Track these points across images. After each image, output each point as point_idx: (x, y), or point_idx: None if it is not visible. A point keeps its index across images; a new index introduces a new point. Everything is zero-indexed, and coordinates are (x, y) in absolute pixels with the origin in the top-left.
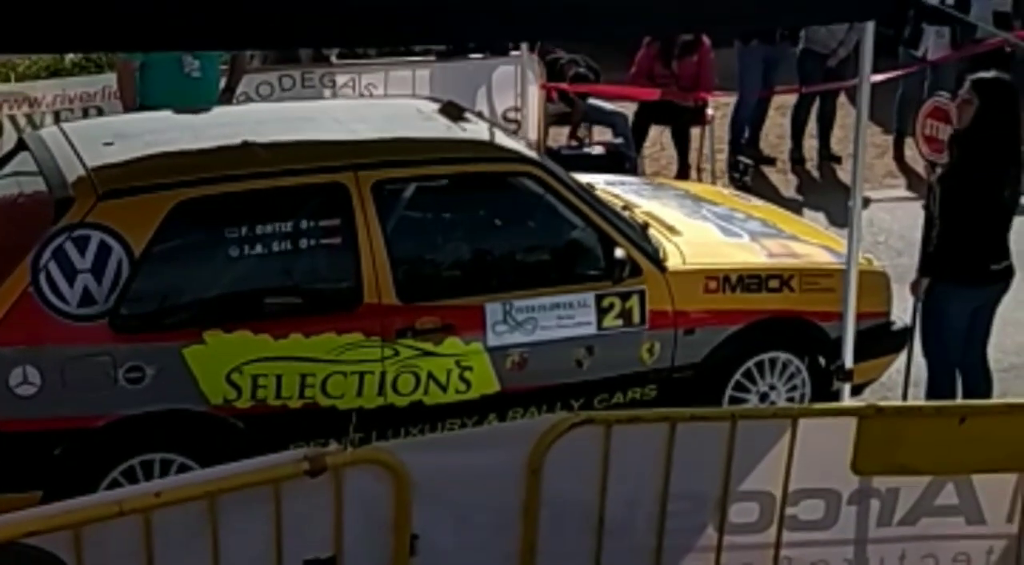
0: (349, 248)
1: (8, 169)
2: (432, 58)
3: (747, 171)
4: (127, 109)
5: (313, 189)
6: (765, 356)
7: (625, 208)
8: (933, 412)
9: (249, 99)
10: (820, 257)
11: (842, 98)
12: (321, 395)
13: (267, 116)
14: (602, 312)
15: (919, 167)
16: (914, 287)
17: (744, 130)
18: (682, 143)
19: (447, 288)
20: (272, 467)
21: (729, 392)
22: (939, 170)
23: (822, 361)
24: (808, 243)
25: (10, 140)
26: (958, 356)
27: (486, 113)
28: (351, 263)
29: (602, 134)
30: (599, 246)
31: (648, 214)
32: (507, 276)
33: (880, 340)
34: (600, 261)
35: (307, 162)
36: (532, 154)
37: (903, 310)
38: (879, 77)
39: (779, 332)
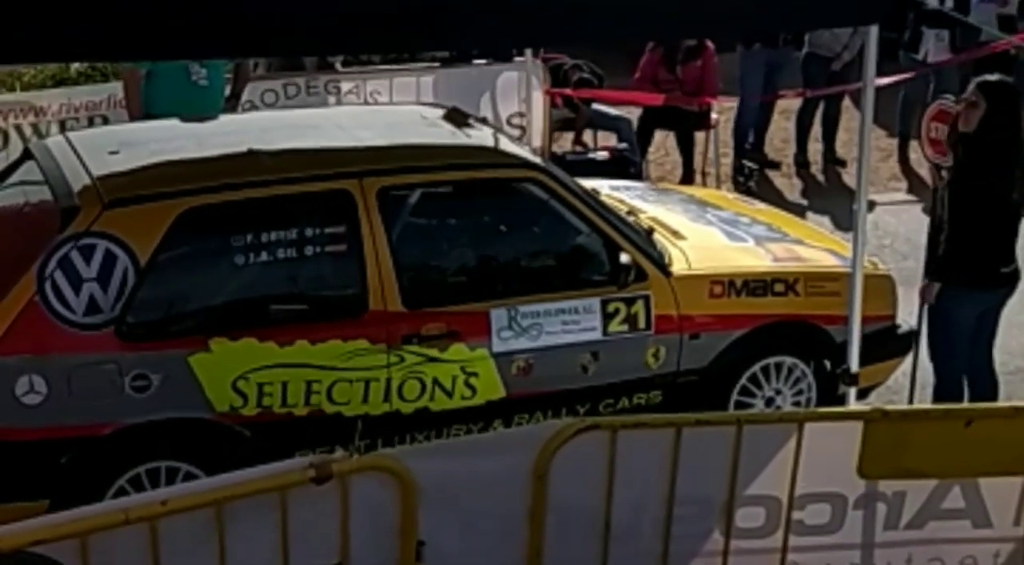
0: (354, 255)
1: (14, 178)
2: (436, 64)
3: (752, 175)
4: (133, 118)
5: (318, 196)
6: (771, 360)
7: (630, 213)
8: (939, 415)
9: (254, 107)
10: (825, 261)
11: (846, 102)
12: (327, 402)
13: (272, 124)
14: (607, 317)
15: (924, 170)
16: (925, 292)
17: (747, 134)
18: (686, 148)
19: (452, 294)
20: (278, 475)
21: (735, 397)
22: (944, 173)
23: (828, 365)
24: (813, 247)
25: (16, 149)
26: (965, 360)
27: (490, 119)
28: (356, 270)
29: (606, 139)
30: (604, 251)
31: (653, 219)
32: (512, 282)
33: (886, 344)
34: (605, 266)
35: (312, 169)
36: (537, 160)
37: (909, 313)
38: (883, 81)
39: (784, 336)
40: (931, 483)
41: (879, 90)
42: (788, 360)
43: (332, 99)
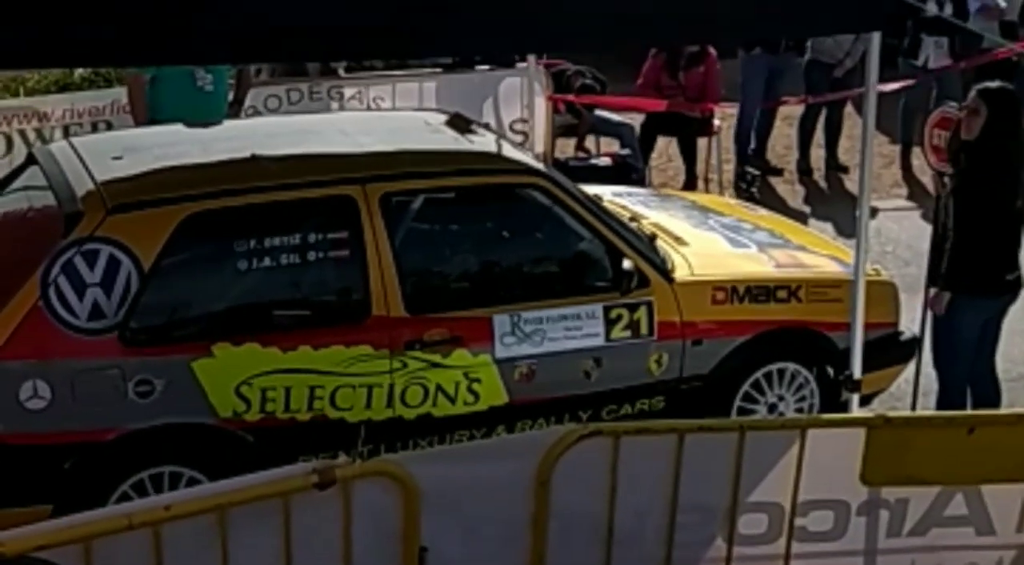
0: (357, 260)
1: (18, 183)
2: (439, 70)
3: (754, 182)
4: (139, 123)
5: (321, 202)
6: (773, 367)
7: (632, 219)
8: (942, 422)
9: (257, 112)
10: (828, 267)
11: (849, 108)
12: (330, 407)
13: (275, 129)
14: (610, 323)
15: (926, 177)
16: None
17: (749, 140)
18: (689, 154)
19: (455, 300)
20: (281, 480)
21: (737, 403)
22: (947, 180)
23: (830, 372)
24: (816, 253)
25: (20, 155)
26: (969, 367)
27: (493, 125)
28: (359, 275)
29: (609, 145)
30: (607, 257)
31: (655, 225)
32: (515, 288)
33: (888, 350)
34: (608, 272)
35: (315, 175)
36: (539, 166)
37: (911, 320)
38: (886, 87)
39: (787, 343)
40: (934, 490)
41: (882, 97)
42: (791, 366)
43: (335, 105)
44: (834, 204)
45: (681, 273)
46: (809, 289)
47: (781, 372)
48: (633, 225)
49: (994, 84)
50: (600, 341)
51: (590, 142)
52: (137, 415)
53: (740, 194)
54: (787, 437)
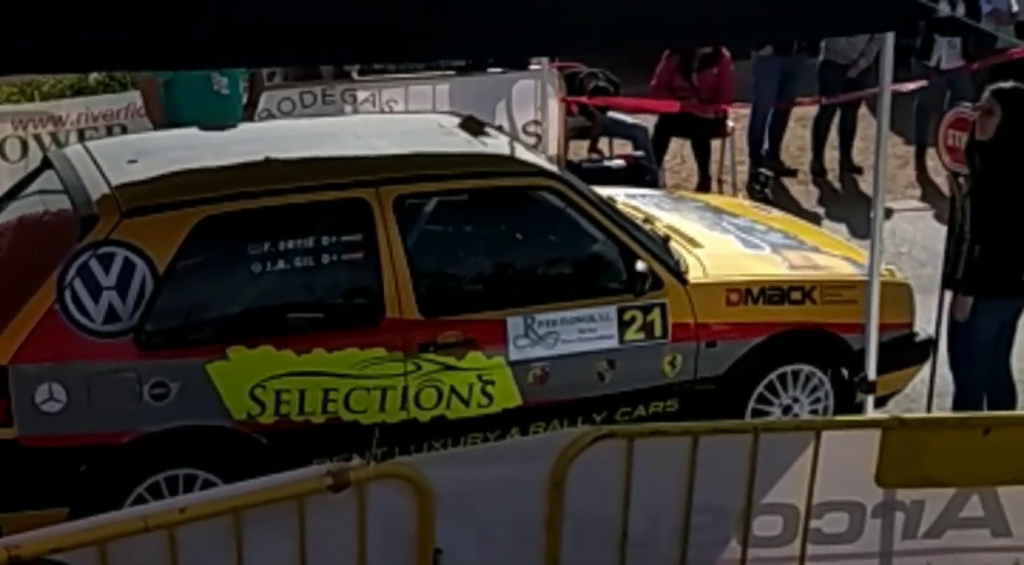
0: (371, 263)
1: (33, 187)
2: (452, 73)
3: (768, 183)
4: (156, 126)
5: (335, 205)
6: (788, 368)
7: (646, 221)
8: (957, 424)
9: (271, 115)
10: (842, 269)
11: (863, 109)
12: (344, 410)
13: (289, 132)
14: (624, 325)
15: (941, 178)
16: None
17: (761, 141)
18: (702, 155)
19: (469, 302)
20: (296, 482)
21: (752, 405)
22: (962, 181)
23: (845, 373)
24: (830, 255)
25: (35, 158)
26: (986, 369)
27: (506, 127)
28: (373, 278)
29: (622, 147)
30: (620, 259)
31: (669, 227)
32: (528, 290)
33: (903, 352)
34: (621, 274)
35: (329, 178)
36: (553, 168)
37: (926, 321)
38: (900, 87)
39: (801, 344)
40: (949, 492)
41: (896, 97)
42: (805, 368)
43: (348, 108)
44: (848, 205)
45: (695, 275)
46: (823, 290)
47: (795, 374)
48: (647, 227)
49: (1008, 84)
50: (614, 343)
51: (603, 144)
52: (152, 418)
53: (753, 195)
54: (802, 439)
